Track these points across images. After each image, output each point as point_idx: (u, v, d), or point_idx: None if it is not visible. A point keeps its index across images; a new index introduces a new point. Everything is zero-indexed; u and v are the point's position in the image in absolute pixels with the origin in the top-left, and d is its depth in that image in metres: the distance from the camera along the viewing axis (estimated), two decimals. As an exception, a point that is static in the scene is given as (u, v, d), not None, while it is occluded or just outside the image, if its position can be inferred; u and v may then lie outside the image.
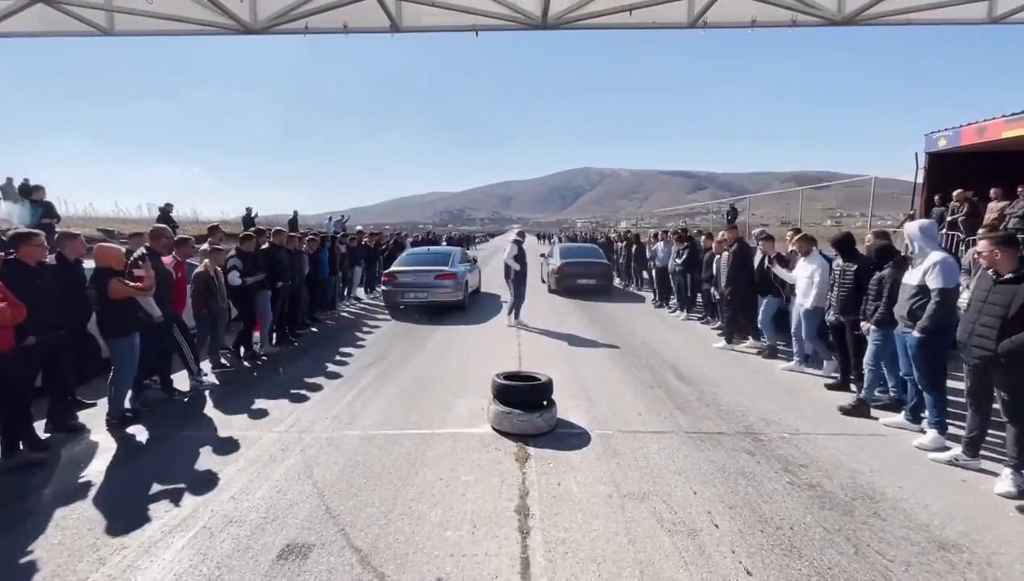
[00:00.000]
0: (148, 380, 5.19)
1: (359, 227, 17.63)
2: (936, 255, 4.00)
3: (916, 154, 12.16)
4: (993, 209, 10.17)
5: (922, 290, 4.01)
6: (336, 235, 16.18)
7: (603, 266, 13.10)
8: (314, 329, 8.81)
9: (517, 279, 8.96)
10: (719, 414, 4.75)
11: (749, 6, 4.42)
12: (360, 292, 12.72)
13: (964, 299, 5.64)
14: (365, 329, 8.89)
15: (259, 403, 5.11)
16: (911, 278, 4.14)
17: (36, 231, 4.20)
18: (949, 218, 10.88)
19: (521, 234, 9.33)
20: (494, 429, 4.31)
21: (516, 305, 9.07)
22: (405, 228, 42.44)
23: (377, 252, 13.80)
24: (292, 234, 8.86)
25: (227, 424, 4.57)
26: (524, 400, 4.30)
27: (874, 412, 4.73)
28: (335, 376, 6.05)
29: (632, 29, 4.60)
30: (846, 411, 4.73)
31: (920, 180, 12.21)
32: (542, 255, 15.72)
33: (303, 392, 5.44)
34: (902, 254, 4.73)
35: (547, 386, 4.44)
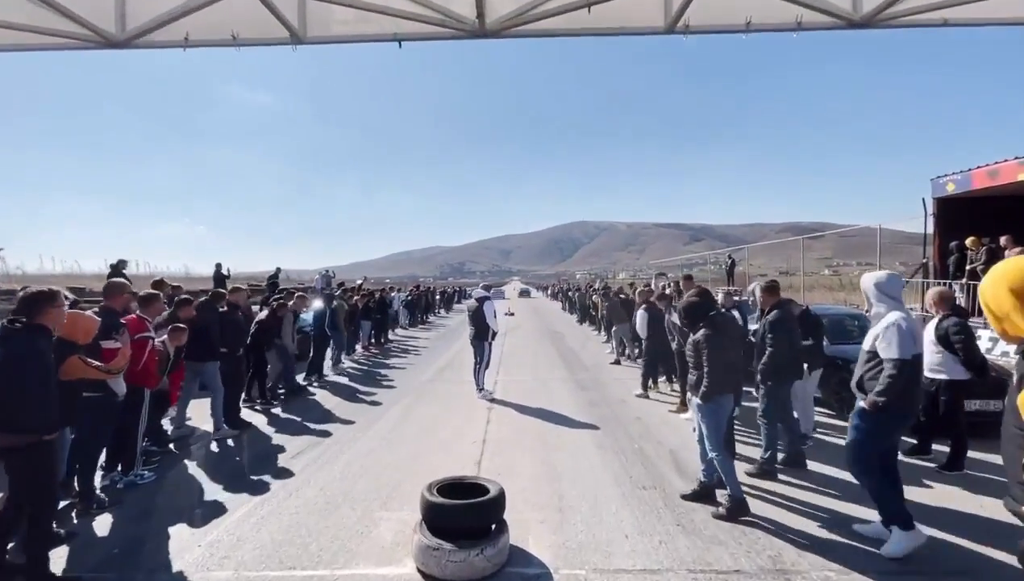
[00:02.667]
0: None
1: (359, 281, 17.10)
2: (891, 317, 3.26)
3: (923, 200, 11.47)
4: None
5: (874, 356, 3.29)
6: (322, 290, 15.22)
7: (530, 291, 61.69)
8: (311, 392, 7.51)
9: (489, 338, 7.99)
10: (735, 534, 3.48)
11: (742, 4, 3.62)
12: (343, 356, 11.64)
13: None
14: (329, 399, 7.78)
15: (126, 525, 3.83)
16: (865, 342, 3.41)
17: (55, 290, 3.11)
18: (968, 267, 10.02)
19: (487, 288, 9.02)
20: (419, 571, 3.05)
21: (486, 366, 8.03)
22: (406, 281, 45.71)
23: (364, 311, 12.77)
24: (279, 297, 8.35)
25: (62, 554, 3.28)
26: (461, 526, 3.06)
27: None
28: (239, 476, 4.72)
29: (595, 36, 3.79)
30: (686, 496, 4.03)
31: (931, 228, 11.50)
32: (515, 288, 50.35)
33: (198, 495, 4.20)
34: (718, 311, 3.98)
35: (495, 504, 3.19)
